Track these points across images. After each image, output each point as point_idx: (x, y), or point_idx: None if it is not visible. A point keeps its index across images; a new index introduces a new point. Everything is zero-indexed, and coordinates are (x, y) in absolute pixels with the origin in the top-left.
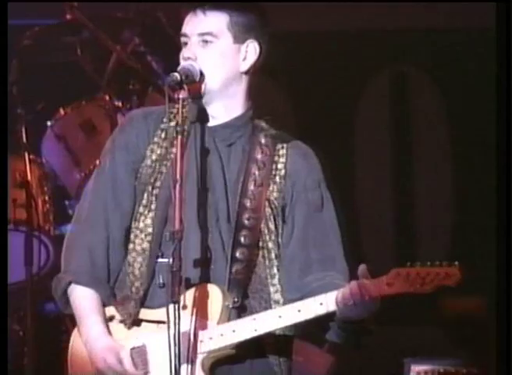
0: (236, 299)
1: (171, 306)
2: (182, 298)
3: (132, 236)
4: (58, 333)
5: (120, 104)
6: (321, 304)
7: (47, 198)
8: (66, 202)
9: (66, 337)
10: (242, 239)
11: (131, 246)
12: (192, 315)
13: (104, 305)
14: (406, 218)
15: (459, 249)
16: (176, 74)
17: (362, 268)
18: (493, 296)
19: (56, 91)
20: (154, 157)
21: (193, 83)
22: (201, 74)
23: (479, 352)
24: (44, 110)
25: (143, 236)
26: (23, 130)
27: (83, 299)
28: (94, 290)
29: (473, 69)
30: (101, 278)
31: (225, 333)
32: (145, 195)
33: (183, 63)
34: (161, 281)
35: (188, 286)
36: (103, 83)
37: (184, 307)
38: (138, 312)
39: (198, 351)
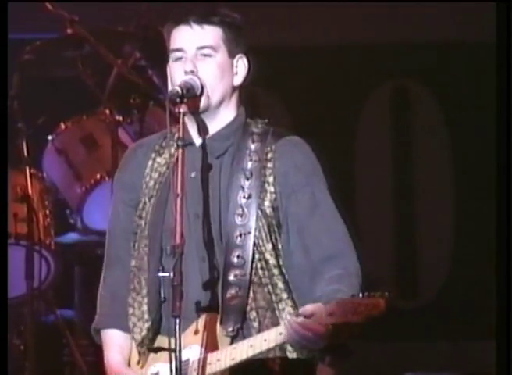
0: (230, 329)
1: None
2: (195, 324)
3: (131, 275)
4: (59, 347)
5: (121, 118)
6: (280, 333)
7: (48, 212)
8: (67, 211)
9: (67, 351)
10: (235, 260)
11: (131, 286)
12: (198, 344)
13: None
14: (406, 228)
15: (460, 256)
16: (178, 88)
17: (304, 309)
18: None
19: (57, 105)
20: (146, 191)
21: (195, 97)
22: (202, 88)
23: (481, 366)
24: (44, 124)
25: (139, 274)
26: (24, 145)
27: (106, 337)
28: (116, 329)
29: (473, 83)
30: (124, 316)
31: (212, 362)
32: (138, 231)
33: (184, 77)
34: (162, 296)
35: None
36: (104, 97)
37: (196, 332)
38: (145, 350)
39: None
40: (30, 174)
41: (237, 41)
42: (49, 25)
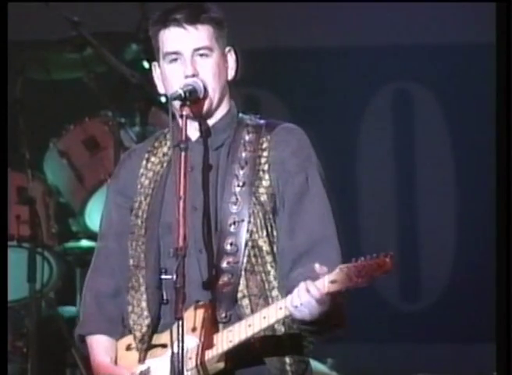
0: (223, 315)
1: (174, 326)
2: (192, 318)
3: (129, 274)
4: (62, 350)
5: (123, 120)
6: (280, 308)
7: (50, 214)
8: (70, 220)
9: (70, 354)
10: (228, 247)
11: (129, 284)
12: (193, 334)
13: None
14: (408, 231)
15: (461, 259)
16: (180, 91)
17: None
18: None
19: (59, 107)
20: (142, 190)
21: (197, 99)
22: (205, 91)
23: (481, 368)
24: (47, 127)
25: (137, 272)
26: (27, 147)
27: (92, 342)
28: (100, 334)
29: (473, 83)
30: (109, 320)
31: (207, 348)
32: (135, 230)
33: (186, 80)
34: (164, 298)
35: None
36: (106, 99)
37: (194, 329)
38: (146, 347)
39: (185, 368)
40: (33, 176)
41: (225, 36)
42: (52, 27)
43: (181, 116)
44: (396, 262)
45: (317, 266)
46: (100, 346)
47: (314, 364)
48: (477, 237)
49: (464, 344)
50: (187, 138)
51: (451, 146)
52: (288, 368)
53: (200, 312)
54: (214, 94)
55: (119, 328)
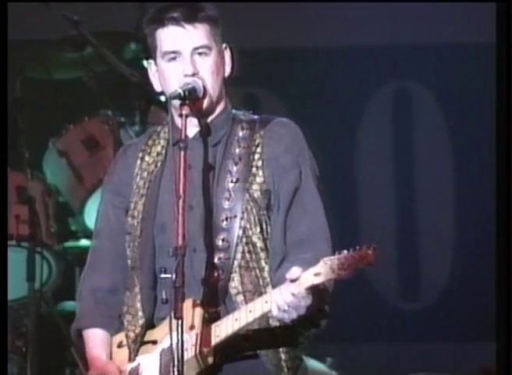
0: (212, 310)
1: (173, 322)
2: (190, 318)
3: (127, 274)
4: (61, 350)
5: (123, 120)
6: (266, 302)
7: (49, 214)
8: (70, 219)
9: (69, 353)
10: (220, 243)
11: (126, 285)
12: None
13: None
14: (408, 230)
15: (461, 258)
16: (180, 90)
17: (290, 273)
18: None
19: (59, 106)
20: (137, 190)
21: (197, 99)
22: (205, 90)
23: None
24: (46, 126)
25: (133, 273)
26: (26, 146)
27: (88, 336)
28: (98, 328)
29: (473, 83)
30: (106, 315)
31: (194, 343)
32: (132, 231)
33: (185, 79)
34: (163, 297)
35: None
36: (106, 99)
37: (192, 327)
38: (138, 346)
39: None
40: (32, 176)
41: (220, 33)
42: (51, 27)
43: (180, 115)
44: (394, 260)
45: (295, 269)
46: (96, 340)
47: (313, 363)
48: (476, 237)
49: (463, 344)
50: (186, 136)
51: (450, 146)
52: (283, 364)
53: (194, 310)
54: (213, 92)
55: (115, 324)
